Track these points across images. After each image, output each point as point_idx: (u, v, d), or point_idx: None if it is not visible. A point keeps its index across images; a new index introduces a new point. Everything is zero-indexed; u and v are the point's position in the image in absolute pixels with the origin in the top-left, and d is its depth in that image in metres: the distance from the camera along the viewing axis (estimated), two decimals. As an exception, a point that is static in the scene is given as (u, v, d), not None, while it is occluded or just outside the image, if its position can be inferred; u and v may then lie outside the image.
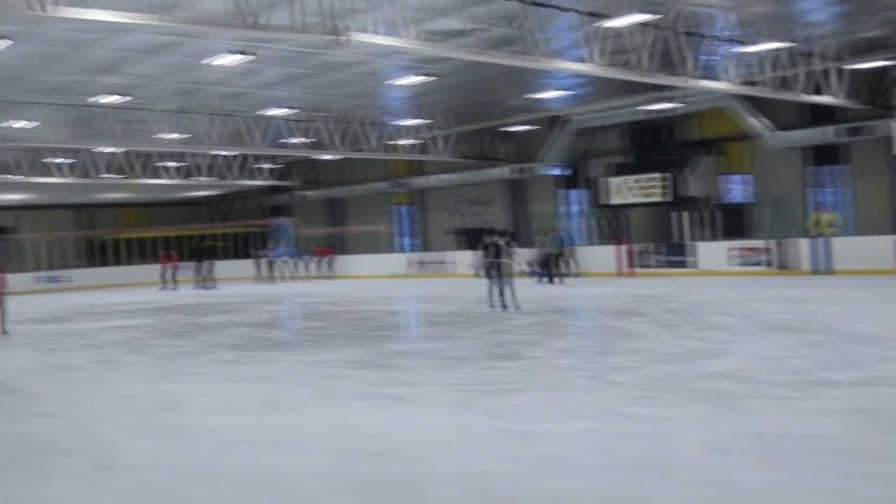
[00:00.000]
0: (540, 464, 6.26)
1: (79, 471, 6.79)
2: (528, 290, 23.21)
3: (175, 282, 33.69)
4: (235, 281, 38.05)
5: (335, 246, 41.19)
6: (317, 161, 41.70)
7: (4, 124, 25.41)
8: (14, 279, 39.92)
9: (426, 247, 39.32)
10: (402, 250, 40.27)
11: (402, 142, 32.19)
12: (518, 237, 31.64)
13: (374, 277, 34.61)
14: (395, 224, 41.64)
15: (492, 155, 35.34)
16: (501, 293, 17.53)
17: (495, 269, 17.60)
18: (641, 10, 16.50)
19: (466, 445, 6.93)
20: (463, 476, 6.07)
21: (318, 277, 36.98)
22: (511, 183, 35.43)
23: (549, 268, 26.44)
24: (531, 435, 7.15)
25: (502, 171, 34.46)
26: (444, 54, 17.11)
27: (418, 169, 38.88)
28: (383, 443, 7.15)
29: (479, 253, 18.37)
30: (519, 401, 8.55)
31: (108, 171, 35.02)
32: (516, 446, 6.84)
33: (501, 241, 17.91)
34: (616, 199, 29.31)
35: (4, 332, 17.82)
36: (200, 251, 35.77)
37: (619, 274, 27.44)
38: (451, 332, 14.69)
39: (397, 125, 31.05)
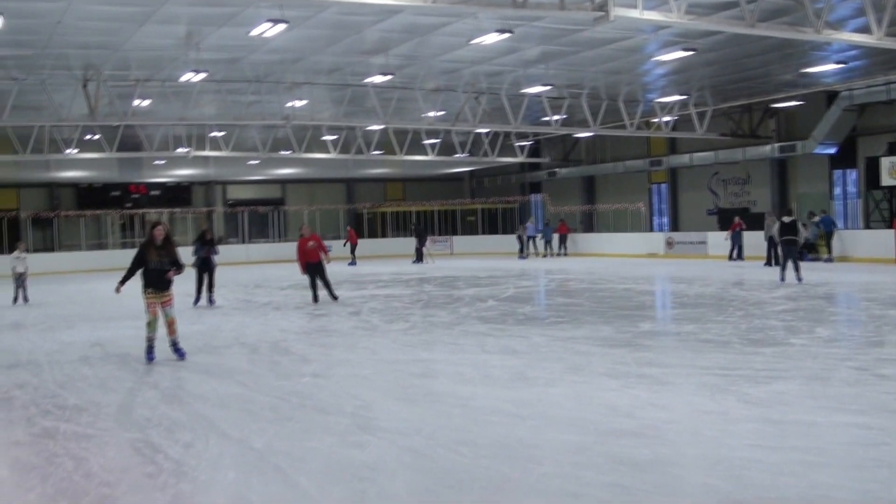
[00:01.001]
0: (798, 456, 5.94)
1: (339, 429, 7.19)
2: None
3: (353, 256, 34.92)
4: (488, 256, 38.85)
5: (574, 224, 41.05)
6: (570, 138, 41.65)
7: (287, 104, 27.21)
8: (284, 248, 42.96)
9: (677, 226, 38.29)
10: (659, 230, 39.43)
11: (659, 119, 31.43)
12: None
13: (625, 256, 34.16)
14: (650, 203, 40.81)
15: (754, 132, 33.76)
16: (784, 268, 19.67)
17: (788, 246, 19.59)
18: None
19: (720, 431, 6.68)
20: (716, 462, 5.87)
21: (558, 255, 36.89)
22: (775, 162, 33.67)
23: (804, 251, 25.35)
24: (790, 425, 6.79)
25: (766, 150, 32.82)
26: (712, 28, 16.42)
27: (671, 147, 37.88)
28: (633, 422, 7.05)
29: (776, 227, 21.14)
30: (778, 389, 8.14)
31: (372, 147, 36.73)
32: (773, 436, 6.51)
33: (796, 220, 20.07)
34: (894, 181, 27.07)
35: (334, 298, 18.46)
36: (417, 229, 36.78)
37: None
38: (706, 315, 14.23)
39: (655, 102, 30.33)
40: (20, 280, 20.61)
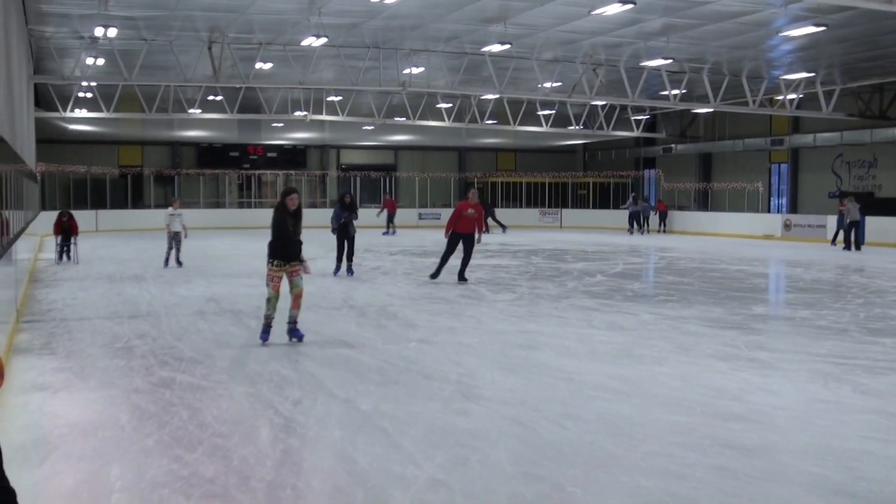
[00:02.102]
0: (918, 451, 5.72)
1: (443, 395, 7.27)
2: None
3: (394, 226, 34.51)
4: (597, 230, 38.48)
5: (688, 202, 40.25)
6: (687, 114, 40.71)
7: (404, 71, 27.38)
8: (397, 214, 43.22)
9: (796, 208, 37.07)
10: (777, 211, 38.26)
11: (783, 97, 30.40)
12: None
13: (740, 237, 33.31)
14: (769, 183, 39.60)
15: (884, 113, 32.33)
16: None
17: None
18: None
19: (833, 421, 6.49)
20: (827, 452, 5.71)
21: (658, 232, 36.80)
22: (905, 145, 32.21)
23: None
24: (909, 419, 6.54)
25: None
26: (846, 3, 15.72)
27: (794, 126, 36.62)
28: (742, 406, 6.90)
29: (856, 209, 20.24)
30: (897, 381, 7.85)
31: (486, 117, 36.66)
32: (890, 429, 6.29)
33: None
34: None
35: (463, 280, 16.49)
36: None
37: None
38: (822, 300, 13.78)
39: (779, 79, 29.33)
40: (175, 240, 19.21)
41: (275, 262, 9.58)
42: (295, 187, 10.90)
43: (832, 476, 5.25)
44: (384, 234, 33.63)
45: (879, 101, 32.54)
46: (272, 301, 9.54)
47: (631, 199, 38.34)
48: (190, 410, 6.70)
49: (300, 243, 9.69)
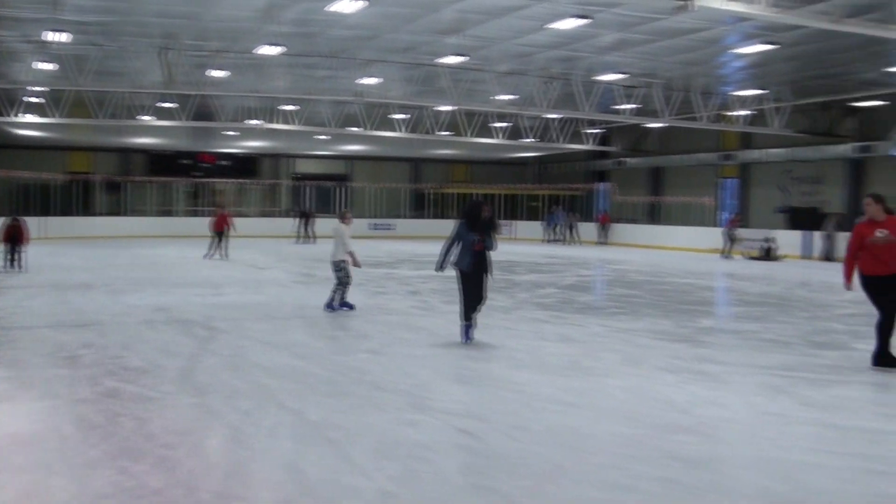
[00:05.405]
0: (859, 463, 5.83)
1: (394, 407, 7.25)
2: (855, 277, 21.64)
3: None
4: (552, 242, 38.75)
5: (639, 216, 40.86)
6: (640, 128, 41.20)
7: (359, 81, 27.34)
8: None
9: (746, 223, 37.60)
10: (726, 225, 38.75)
11: (733, 113, 30.89)
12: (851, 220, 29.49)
13: (689, 250, 33.72)
14: (718, 197, 40.15)
15: (831, 131, 33.01)
16: None
17: None
18: None
19: (778, 433, 6.59)
20: (772, 464, 5.79)
21: (598, 244, 37.97)
22: (851, 162, 32.85)
23: None
24: (852, 431, 6.67)
25: (842, 149, 32.02)
26: (796, 22, 16.07)
27: (744, 141, 37.22)
28: (689, 419, 6.99)
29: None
30: (840, 393, 7.99)
31: (441, 128, 36.76)
32: (834, 441, 6.41)
33: None
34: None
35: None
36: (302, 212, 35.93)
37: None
38: (769, 314, 14.00)
39: (729, 95, 29.80)
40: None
41: None
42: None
43: (776, 487, 5.32)
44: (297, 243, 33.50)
45: (827, 119, 33.21)
46: None
47: (555, 212, 40.23)
48: (136, 421, 6.60)
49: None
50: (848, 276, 9.15)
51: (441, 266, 10.54)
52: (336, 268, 13.14)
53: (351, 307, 13.28)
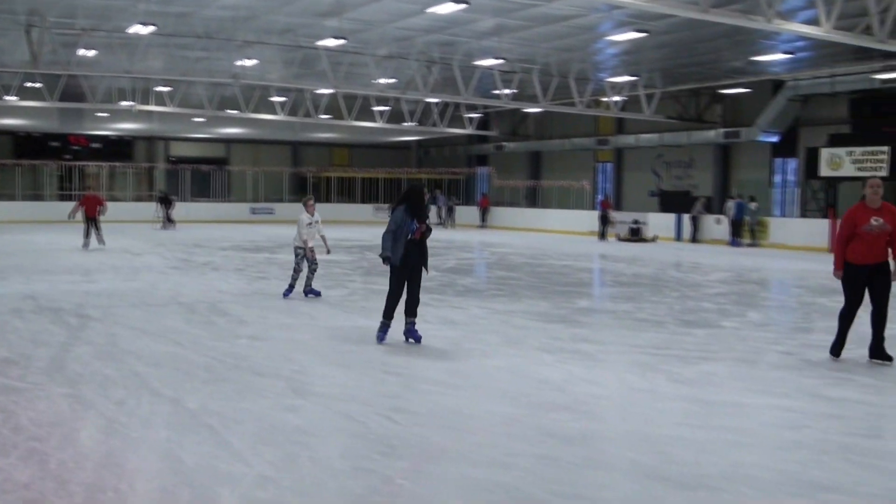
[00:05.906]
0: (723, 435, 6.11)
1: (274, 392, 7.20)
2: (723, 257, 22.55)
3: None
4: (434, 226, 38.92)
5: (518, 199, 41.56)
6: (519, 113, 41.76)
7: (237, 63, 26.78)
8: (226, 208, 42.54)
9: (620, 206, 38.68)
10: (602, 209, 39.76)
11: (608, 99, 31.67)
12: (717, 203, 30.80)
13: (567, 233, 34.46)
14: (594, 181, 41.11)
15: (699, 117, 34.22)
16: None
17: None
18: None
19: (649, 409, 6.84)
20: (643, 438, 6.01)
21: (479, 227, 38.72)
22: (719, 147, 34.17)
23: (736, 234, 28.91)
24: (717, 405, 6.97)
25: (711, 134, 33.23)
26: (665, 11, 16.52)
27: (619, 127, 38.21)
28: (565, 397, 7.18)
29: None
30: (707, 369, 8.34)
31: (320, 111, 36.41)
32: (700, 415, 6.69)
33: None
34: (832, 172, 27.61)
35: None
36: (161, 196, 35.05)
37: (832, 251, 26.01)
38: (642, 294, 14.47)
39: (604, 81, 30.52)
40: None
41: None
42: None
43: (647, 461, 5.53)
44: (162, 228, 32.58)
45: (696, 105, 34.41)
46: None
47: (435, 195, 40.86)
48: (4, 413, 6.36)
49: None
50: (839, 264, 8.68)
51: (391, 253, 9.17)
52: (294, 253, 13.35)
53: (317, 294, 13.35)
